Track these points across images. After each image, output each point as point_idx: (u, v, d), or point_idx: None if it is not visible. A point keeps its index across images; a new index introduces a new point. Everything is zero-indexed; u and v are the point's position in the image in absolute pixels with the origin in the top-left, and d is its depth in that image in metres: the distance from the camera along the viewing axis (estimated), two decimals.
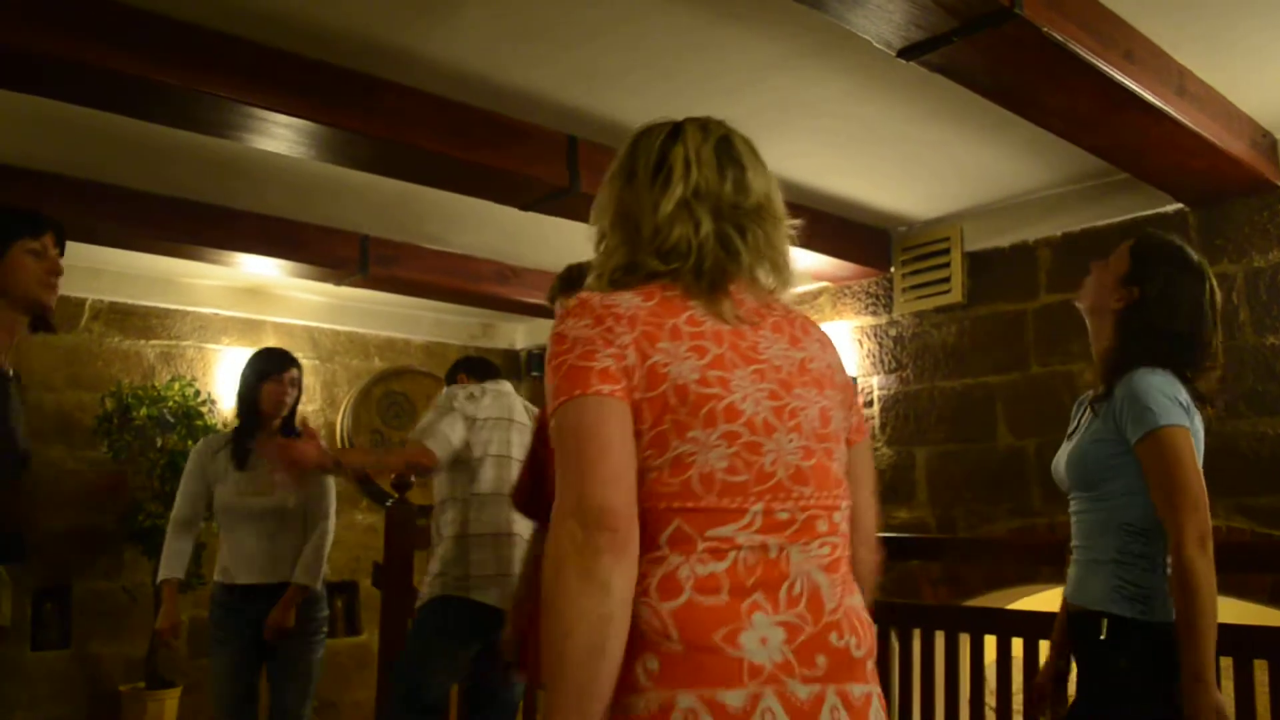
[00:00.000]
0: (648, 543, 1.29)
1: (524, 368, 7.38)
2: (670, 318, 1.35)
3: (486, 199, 4.08)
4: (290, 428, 3.65)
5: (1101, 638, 2.08)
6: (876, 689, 1.36)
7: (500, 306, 6.17)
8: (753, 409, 1.32)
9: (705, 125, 1.49)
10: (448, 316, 6.98)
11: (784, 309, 1.46)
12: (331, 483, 3.68)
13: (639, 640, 1.25)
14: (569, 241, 5.03)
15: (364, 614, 6.38)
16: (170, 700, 5.26)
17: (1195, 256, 2.24)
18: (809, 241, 4.46)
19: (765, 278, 1.45)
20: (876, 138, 3.76)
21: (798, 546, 1.32)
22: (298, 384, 3.72)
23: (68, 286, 5.75)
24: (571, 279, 2.75)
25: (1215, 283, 2.23)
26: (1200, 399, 2.15)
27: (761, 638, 1.26)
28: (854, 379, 1.35)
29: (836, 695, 1.29)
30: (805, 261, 4.68)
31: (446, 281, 5.43)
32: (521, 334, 7.41)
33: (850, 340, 5.09)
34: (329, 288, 5.84)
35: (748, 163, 1.48)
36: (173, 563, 3.58)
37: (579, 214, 4.09)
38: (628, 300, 1.36)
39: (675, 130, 1.48)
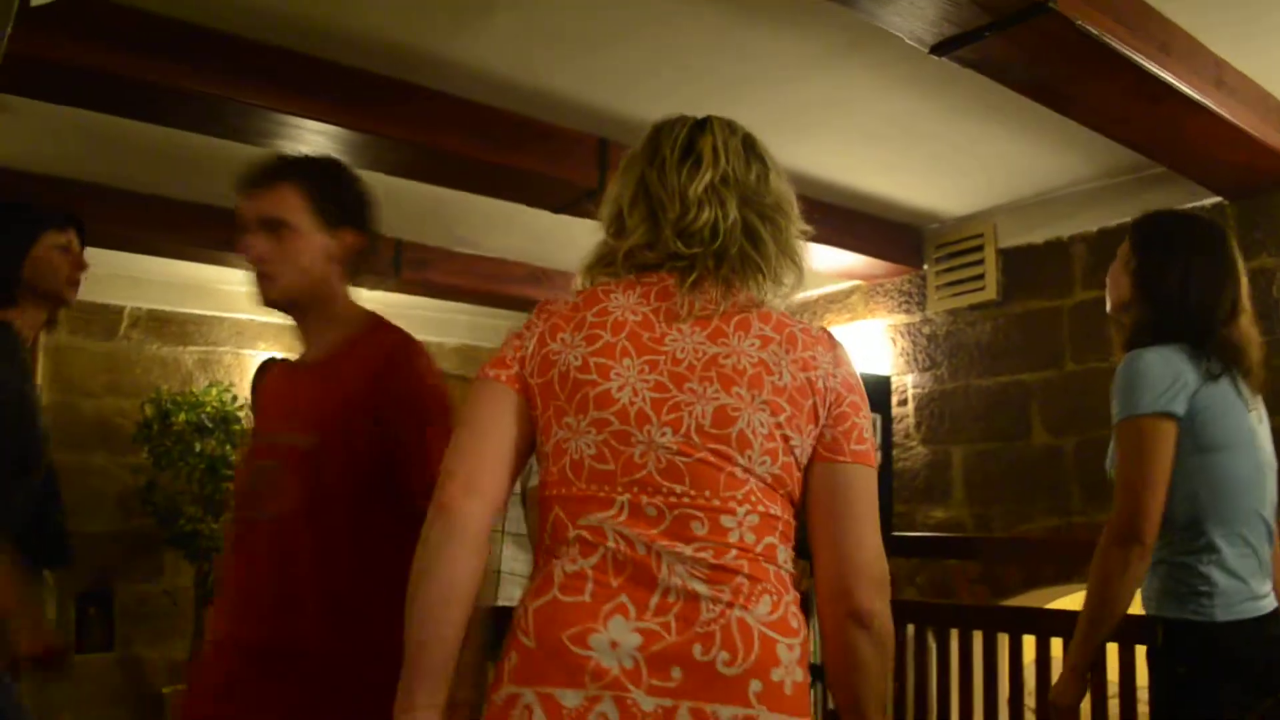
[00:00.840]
0: (541, 537, 1.36)
1: None
2: (585, 310, 1.38)
3: (517, 202, 4.10)
4: None
5: (1159, 644, 2.02)
6: (769, 715, 1.23)
7: (532, 309, 6.17)
8: (629, 398, 1.30)
9: (730, 124, 1.49)
10: (481, 319, 7.01)
11: (748, 306, 1.39)
12: None
13: (510, 638, 1.30)
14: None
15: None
16: None
17: (1202, 221, 2.19)
18: (841, 239, 4.44)
19: (782, 273, 1.44)
20: (909, 135, 3.74)
21: (668, 546, 1.26)
22: None
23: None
24: None
25: (1235, 248, 2.15)
26: (1229, 367, 2.05)
27: (613, 641, 1.23)
28: (855, 388, 1.29)
29: (690, 713, 1.21)
30: (837, 260, 4.66)
31: (479, 285, 5.46)
32: None
33: (884, 338, 5.07)
34: (362, 292, 5.84)
35: (770, 164, 1.48)
36: None
37: None
38: (565, 298, 1.42)
39: (701, 122, 1.48)
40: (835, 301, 5.35)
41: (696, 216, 1.38)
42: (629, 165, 1.49)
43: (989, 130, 3.69)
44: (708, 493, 1.28)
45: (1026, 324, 4.53)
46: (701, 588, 1.25)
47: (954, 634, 3.25)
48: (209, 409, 5.50)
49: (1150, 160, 3.70)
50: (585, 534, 1.29)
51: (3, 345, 2.17)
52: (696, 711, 1.21)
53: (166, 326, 5.97)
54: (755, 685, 1.23)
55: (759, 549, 1.29)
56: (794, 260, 1.45)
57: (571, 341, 1.35)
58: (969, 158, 4.00)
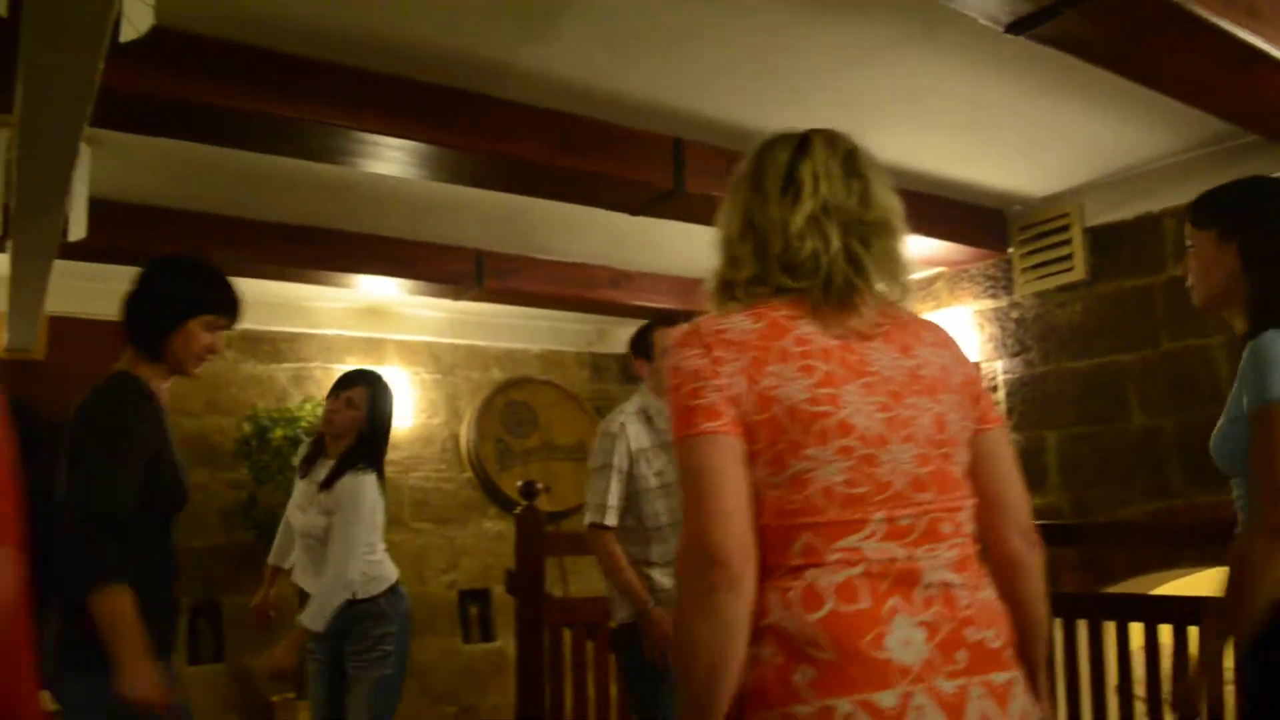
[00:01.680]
0: (779, 558, 1.35)
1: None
2: (778, 339, 1.39)
3: (595, 206, 4.12)
4: (360, 445, 3.53)
5: (1266, 632, 1.92)
6: (1018, 673, 1.39)
7: (614, 311, 6.22)
8: (865, 422, 1.36)
9: (832, 140, 1.51)
10: (563, 324, 7.07)
11: (900, 317, 1.47)
12: (359, 497, 3.44)
13: (792, 652, 1.31)
14: (679, 242, 5.05)
15: (498, 620, 6.49)
16: None
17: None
18: (921, 227, 4.38)
19: (887, 289, 1.46)
20: (987, 117, 3.67)
21: (923, 550, 1.36)
22: (355, 404, 3.52)
23: None
24: (641, 339, 3.24)
25: None
26: None
27: (904, 639, 1.30)
28: (977, 365, 1.31)
29: (980, 685, 1.32)
30: (919, 247, 4.60)
31: (560, 290, 5.50)
32: None
33: (970, 325, 4.98)
34: (447, 303, 5.97)
35: (872, 175, 1.50)
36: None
37: (687, 215, 4.12)
38: (737, 324, 1.40)
39: (803, 143, 1.50)
40: (919, 290, 5.28)
41: (799, 250, 1.42)
42: (735, 190, 1.53)
43: (1070, 107, 3.60)
44: (946, 496, 1.40)
45: (1118, 303, 4.41)
46: (953, 577, 1.37)
47: (1058, 623, 3.18)
48: (304, 423, 5.64)
49: (1241, 129, 3.58)
50: (844, 554, 1.34)
51: (138, 401, 2.26)
52: (985, 683, 1.33)
53: (259, 345, 6.13)
54: (1009, 652, 1.39)
55: (973, 534, 1.44)
56: (893, 274, 1.48)
57: (787, 374, 1.36)
58: (1051, 136, 3.91)
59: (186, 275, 2.41)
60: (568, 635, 4.24)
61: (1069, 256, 4.54)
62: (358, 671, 3.41)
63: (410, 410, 6.61)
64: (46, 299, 4.46)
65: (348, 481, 3.38)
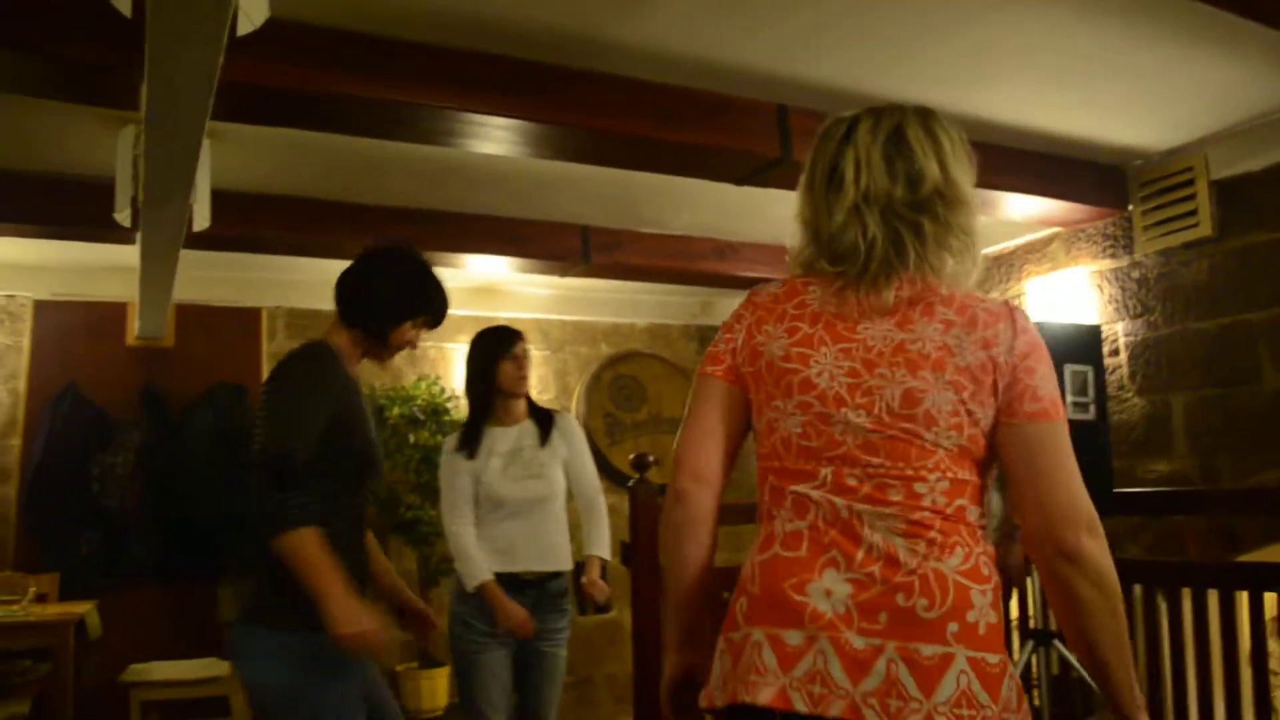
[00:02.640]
0: (761, 499, 1.55)
1: None
2: (785, 303, 1.55)
3: (700, 177, 4.11)
4: (536, 407, 3.54)
5: None
6: (965, 652, 1.36)
7: (720, 283, 6.20)
8: (827, 383, 1.47)
9: (879, 119, 1.55)
10: (669, 298, 7.09)
11: (934, 295, 1.49)
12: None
13: (739, 586, 1.51)
14: (784, 211, 4.99)
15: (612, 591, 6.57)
16: (441, 679, 5.61)
17: None
18: (1035, 186, 4.26)
19: (938, 265, 1.49)
20: (1103, 68, 3.54)
21: (869, 510, 1.43)
22: (529, 358, 3.54)
23: (318, 300, 6.27)
24: None
25: None
26: None
27: (827, 589, 1.41)
28: (1032, 356, 1.28)
29: (896, 651, 1.36)
30: (1032, 208, 4.47)
31: (666, 263, 5.51)
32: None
33: (1089, 286, 4.82)
34: (554, 280, 6.04)
35: (919, 151, 1.52)
36: (484, 566, 3.29)
37: (794, 183, 4.06)
38: (766, 289, 1.61)
39: (849, 131, 1.56)
40: (1033, 251, 5.13)
41: (841, 239, 1.50)
42: (800, 182, 1.63)
43: (1192, 54, 3.44)
44: (901, 464, 1.43)
45: (1248, 259, 4.22)
46: (899, 543, 1.41)
47: (1186, 593, 3.09)
48: (419, 402, 5.79)
49: None
50: (798, 499, 1.47)
51: (329, 366, 2.38)
52: (902, 649, 1.36)
53: None
54: (953, 626, 1.37)
55: (949, 510, 1.43)
56: (951, 247, 1.50)
57: (775, 333, 1.53)
58: (1171, 87, 3.75)
59: (419, 277, 2.58)
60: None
61: (1193, 212, 4.35)
62: (552, 650, 3.41)
63: None
64: (174, 288, 4.63)
65: (567, 425, 3.46)
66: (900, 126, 1.54)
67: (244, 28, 2.12)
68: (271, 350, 6.18)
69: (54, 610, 4.29)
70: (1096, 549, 1.41)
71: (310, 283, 6.21)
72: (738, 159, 3.80)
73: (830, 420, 1.46)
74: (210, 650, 4.81)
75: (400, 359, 6.20)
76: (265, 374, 6.04)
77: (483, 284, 6.30)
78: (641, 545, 3.46)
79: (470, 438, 3.42)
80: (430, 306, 2.57)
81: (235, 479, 5.67)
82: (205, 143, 3.11)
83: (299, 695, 2.18)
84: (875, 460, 1.43)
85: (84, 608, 4.28)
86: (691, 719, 1.60)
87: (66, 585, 4.99)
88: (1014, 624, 3.94)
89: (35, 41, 2.81)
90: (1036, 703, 3.51)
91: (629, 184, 4.50)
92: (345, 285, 2.55)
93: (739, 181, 4.04)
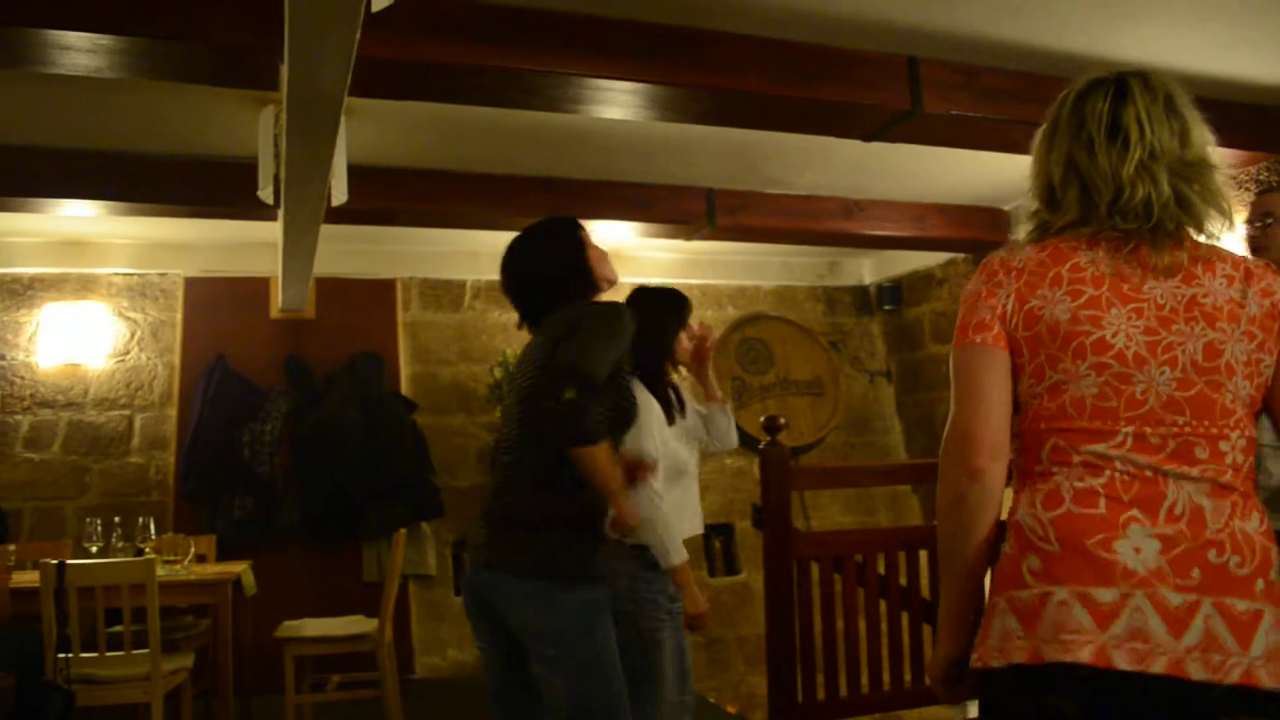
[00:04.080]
0: (1033, 459, 1.52)
1: (874, 302, 7.28)
2: (1056, 266, 1.53)
3: (827, 135, 4.04)
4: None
5: None
6: (1272, 609, 1.39)
7: (846, 242, 6.12)
8: (1124, 343, 1.47)
9: (1149, 83, 1.57)
10: (794, 259, 7.02)
11: (1203, 251, 1.52)
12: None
13: (1024, 544, 1.47)
14: (913, 166, 4.90)
15: (740, 554, 6.60)
16: None
17: None
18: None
19: (1210, 224, 1.54)
20: (1248, 4, 3.33)
21: (1174, 469, 1.43)
22: None
23: (451, 270, 6.41)
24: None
25: None
26: None
27: (1135, 547, 1.40)
28: None
29: (1213, 606, 1.37)
30: None
31: (791, 224, 5.45)
32: (869, 268, 7.30)
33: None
34: (679, 244, 6.04)
35: (1189, 116, 1.56)
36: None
37: (925, 137, 3.97)
38: (1022, 254, 1.57)
39: (1121, 89, 1.56)
40: None
41: (1131, 196, 1.51)
42: (1056, 139, 1.61)
43: None
44: (1206, 422, 1.45)
45: None
46: (1206, 502, 1.43)
47: None
48: None
49: None
50: (1091, 459, 1.47)
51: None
52: (1219, 605, 1.38)
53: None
54: (1260, 584, 1.40)
55: (1246, 468, 1.47)
56: (1220, 209, 1.55)
57: (1054, 297, 1.51)
58: None
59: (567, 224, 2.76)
60: (815, 569, 4.26)
61: None
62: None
63: None
64: (314, 262, 4.80)
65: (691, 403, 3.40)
66: (1170, 92, 1.57)
67: (379, 4, 2.17)
68: (406, 319, 6.36)
69: (213, 570, 4.52)
70: None
71: (442, 253, 6.36)
72: (866, 114, 3.73)
73: (1131, 380, 1.46)
74: (355, 608, 5.01)
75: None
76: (402, 343, 6.25)
77: (609, 249, 6.32)
78: (775, 508, 3.45)
79: (665, 398, 3.23)
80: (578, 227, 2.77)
81: (376, 446, 5.88)
82: (342, 119, 3.20)
83: (583, 642, 2.33)
84: (1180, 419, 1.45)
85: (240, 567, 4.50)
86: (962, 693, 1.59)
87: (223, 546, 5.26)
88: None
89: (181, 29, 2.94)
90: None
91: (754, 144, 4.46)
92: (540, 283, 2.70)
93: (867, 137, 3.96)
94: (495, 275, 6.84)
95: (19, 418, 5.74)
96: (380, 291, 6.36)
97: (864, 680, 4.23)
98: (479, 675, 5.23)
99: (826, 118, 3.78)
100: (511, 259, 2.67)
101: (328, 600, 5.47)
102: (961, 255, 6.35)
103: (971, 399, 1.54)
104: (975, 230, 5.70)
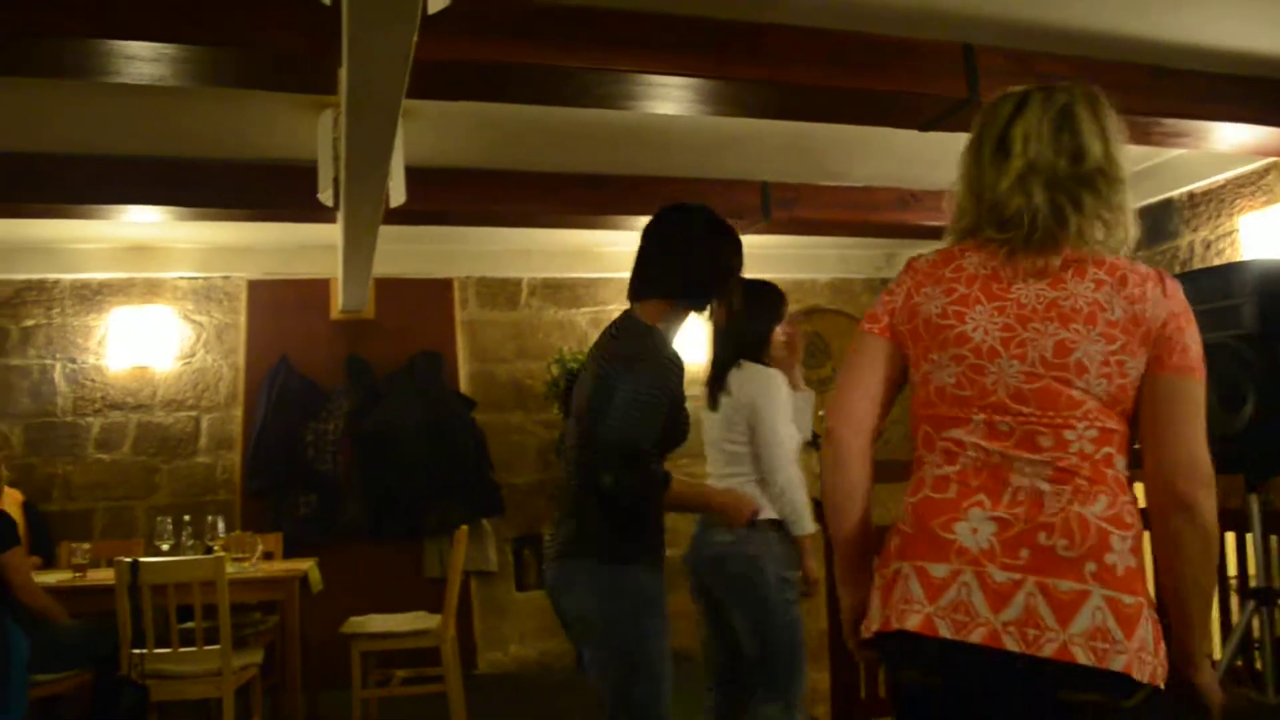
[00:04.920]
0: (914, 446, 1.67)
1: None
2: (942, 267, 1.65)
3: (882, 125, 4.00)
4: None
5: None
6: (1101, 590, 1.46)
7: (903, 234, 6.06)
8: (981, 337, 1.57)
9: (1049, 95, 1.64)
10: (850, 251, 6.97)
11: (1086, 259, 1.58)
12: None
13: (894, 527, 1.64)
14: None
15: None
16: None
17: None
18: (1246, 113, 3.98)
19: (1096, 234, 1.59)
20: None
21: (1018, 455, 1.53)
22: None
23: (506, 269, 6.46)
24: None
25: None
26: None
27: (973, 528, 1.53)
28: (1175, 313, 1.37)
29: (1035, 585, 1.47)
30: (1244, 136, 4.16)
31: (847, 216, 5.42)
32: None
33: None
34: None
35: (1085, 130, 1.60)
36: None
37: None
38: (925, 257, 1.70)
39: (1021, 103, 1.64)
40: (1246, 185, 4.79)
41: (1006, 206, 1.59)
42: (966, 148, 1.70)
43: None
44: (1051, 412, 1.53)
45: None
46: (1046, 486, 1.52)
47: None
48: None
49: None
50: (949, 445, 1.60)
51: (670, 356, 2.42)
52: (1040, 583, 1.48)
53: (559, 292, 6.45)
54: (1090, 566, 1.47)
55: (1097, 457, 1.53)
56: (1106, 221, 1.59)
57: (932, 294, 1.64)
58: None
59: (728, 237, 2.58)
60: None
61: None
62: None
63: (704, 346, 6.75)
64: (373, 262, 4.86)
65: None
66: (1069, 105, 1.62)
67: (435, 6, 2.19)
68: (464, 318, 6.42)
69: (280, 567, 4.61)
70: (1206, 504, 1.52)
71: (498, 252, 6.41)
72: (922, 103, 3.69)
73: (984, 371, 1.57)
74: (418, 604, 5.07)
75: (585, 323, 6.37)
76: (460, 341, 6.32)
77: None
78: None
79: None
80: (739, 262, 2.61)
81: (436, 445, 5.95)
82: (399, 121, 3.24)
83: (620, 622, 2.32)
84: (1025, 409, 1.54)
85: (306, 564, 4.58)
86: (870, 653, 1.70)
87: (289, 544, 5.35)
88: (1232, 583, 3.74)
89: (240, 36, 3.00)
90: (1258, 665, 3.32)
91: (808, 136, 4.44)
92: (666, 261, 2.53)
93: (923, 127, 3.92)
94: (550, 273, 6.91)
95: (90, 420, 5.90)
96: (438, 291, 6.43)
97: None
98: (541, 671, 5.30)
99: (882, 108, 3.75)
100: (645, 231, 2.61)
101: (390, 596, 5.54)
102: None
103: (843, 376, 1.73)
104: None
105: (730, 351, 3.22)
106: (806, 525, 3.06)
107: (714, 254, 2.54)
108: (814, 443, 3.39)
